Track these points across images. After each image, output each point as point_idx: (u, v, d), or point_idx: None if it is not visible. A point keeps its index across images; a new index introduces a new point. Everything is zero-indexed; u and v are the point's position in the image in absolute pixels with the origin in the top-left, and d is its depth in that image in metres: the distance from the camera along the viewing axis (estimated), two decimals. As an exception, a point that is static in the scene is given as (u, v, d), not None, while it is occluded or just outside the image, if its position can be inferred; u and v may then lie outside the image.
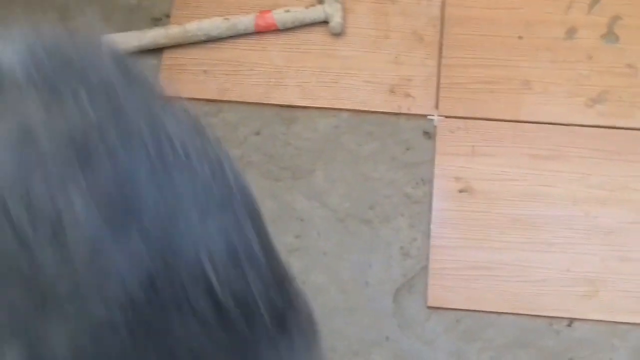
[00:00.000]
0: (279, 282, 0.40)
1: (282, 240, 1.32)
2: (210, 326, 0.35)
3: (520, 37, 1.45)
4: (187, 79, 1.45)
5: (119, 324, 0.32)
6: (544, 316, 1.25)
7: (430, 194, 1.34)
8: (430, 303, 1.27)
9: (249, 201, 0.41)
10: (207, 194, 0.37)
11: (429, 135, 1.38)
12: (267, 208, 1.34)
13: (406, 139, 1.38)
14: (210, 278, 0.35)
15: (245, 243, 0.38)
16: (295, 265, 1.31)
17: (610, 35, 1.45)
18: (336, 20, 1.45)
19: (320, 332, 0.43)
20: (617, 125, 1.37)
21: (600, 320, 1.25)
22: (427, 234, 1.31)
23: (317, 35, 1.47)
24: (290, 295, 0.41)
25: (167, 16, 1.52)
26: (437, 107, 1.40)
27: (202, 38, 1.45)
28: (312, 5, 1.47)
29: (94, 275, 0.32)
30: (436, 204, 1.33)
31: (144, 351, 0.34)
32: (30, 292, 0.31)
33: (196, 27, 1.45)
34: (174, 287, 0.34)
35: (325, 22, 1.46)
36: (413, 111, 1.40)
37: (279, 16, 1.46)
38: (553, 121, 1.38)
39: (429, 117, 1.40)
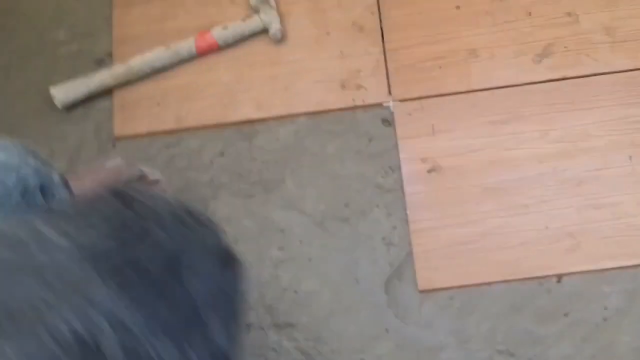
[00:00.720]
0: None
1: (267, 255, 1.33)
2: None
3: (457, 7, 1.46)
4: (141, 115, 1.45)
5: None
6: (533, 277, 1.28)
7: (401, 180, 1.35)
8: (421, 287, 1.29)
9: None
10: None
11: (388, 122, 1.40)
12: (246, 226, 1.36)
13: (367, 131, 1.40)
14: None
15: None
16: (285, 276, 1.32)
17: (544, -12, 1.46)
18: (275, 27, 1.45)
19: None
20: (567, 75, 1.39)
21: (587, 271, 1.27)
22: (405, 220, 1.33)
23: (259, 46, 1.48)
24: None
25: (110, 55, 1.51)
26: (390, 93, 1.41)
27: (148, 71, 1.45)
28: (249, 17, 1.47)
29: None
30: (408, 188, 1.35)
31: None
32: None
33: (140, 61, 1.45)
34: None
35: (265, 31, 1.47)
36: (368, 102, 1.42)
37: (219, 34, 1.46)
38: (505, 84, 1.40)
39: (384, 104, 1.41)
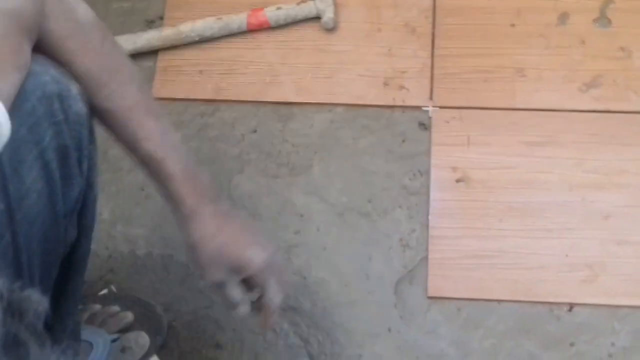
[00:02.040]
0: None
1: (282, 237, 1.33)
2: None
3: (512, 25, 1.46)
4: (182, 80, 1.46)
5: None
6: (545, 302, 1.26)
7: (428, 185, 1.34)
8: (431, 293, 1.28)
9: None
10: None
11: (425, 126, 1.39)
12: (266, 205, 1.36)
13: (402, 131, 1.39)
14: None
15: None
16: (296, 261, 1.32)
17: (602, 19, 1.45)
18: (328, 15, 1.45)
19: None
20: (612, 109, 1.37)
21: (600, 305, 1.25)
22: (426, 225, 1.32)
23: (309, 31, 1.48)
24: None
25: (161, 18, 1.53)
26: (431, 98, 1.41)
27: (196, 39, 1.46)
28: (304, 1, 1.47)
29: None
30: (434, 194, 1.34)
31: None
32: None
33: (189, 28, 1.46)
34: None
35: (317, 18, 1.47)
36: (408, 103, 1.41)
37: (271, 14, 1.46)
38: (547, 107, 1.39)
39: (423, 108, 1.40)
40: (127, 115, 0.81)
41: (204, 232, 0.88)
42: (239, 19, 1.47)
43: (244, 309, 0.94)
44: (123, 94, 0.81)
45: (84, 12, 0.78)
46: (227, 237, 0.89)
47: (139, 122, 0.82)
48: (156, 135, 0.83)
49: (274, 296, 0.94)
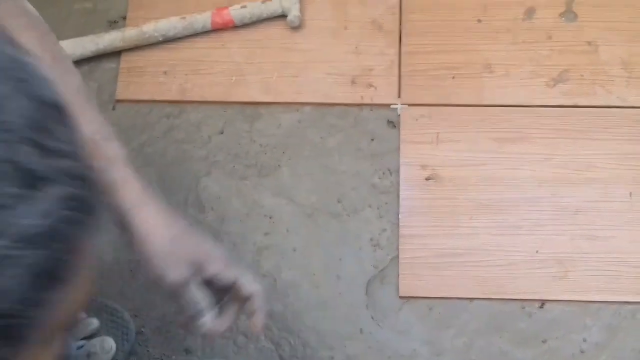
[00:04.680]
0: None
1: (252, 239, 1.31)
2: None
3: (479, 21, 1.45)
4: (146, 81, 1.44)
5: None
6: (516, 299, 1.25)
7: (397, 184, 1.33)
8: (403, 293, 1.27)
9: None
10: None
11: (393, 124, 1.38)
12: (234, 207, 1.34)
13: (370, 130, 1.38)
14: None
15: None
16: (266, 263, 1.30)
17: (568, 14, 1.45)
18: (294, 13, 1.44)
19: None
20: (579, 104, 1.37)
21: (572, 300, 1.25)
22: (396, 224, 1.31)
23: (275, 30, 1.46)
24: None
25: (124, 18, 1.50)
26: (399, 95, 1.40)
27: (160, 39, 1.44)
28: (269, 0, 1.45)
29: None
30: (403, 193, 1.33)
31: None
32: None
33: (153, 28, 1.43)
34: None
35: (283, 16, 1.45)
36: (376, 101, 1.40)
37: (236, 12, 1.44)
38: (516, 103, 1.38)
39: (392, 106, 1.39)
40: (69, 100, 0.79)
41: (153, 222, 0.79)
42: (203, 18, 1.44)
43: (209, 317, 0.82)
44: (66, 81, 0.79)
45: (31, 7, 0.78)
46: (179, 230, 0.80)
47: (81, 108, 0.78)
48: (97, 121, 0.79)
49: (254, 286, 0.84)
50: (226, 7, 1.45)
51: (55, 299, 0.40)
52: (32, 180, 0.38)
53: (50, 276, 0.39)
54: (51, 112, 0.42)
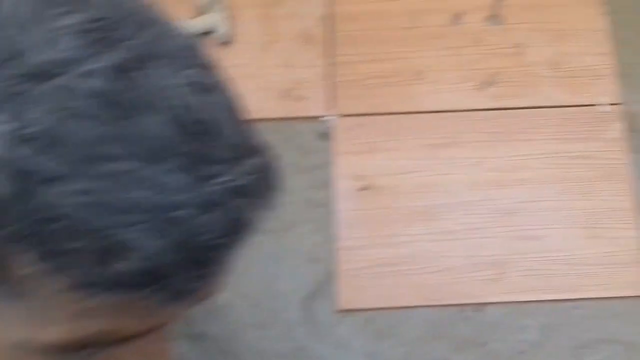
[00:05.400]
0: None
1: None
2: None
3: (407, 28, 1.45)
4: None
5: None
6: (454, 304, 1.26)
7: (332, 196, 1.33)
8: (341, 306, 1.26)
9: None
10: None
11: (326, 136, 1.38)
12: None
13: (303, 143, 1.37)
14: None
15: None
16: (205, 283, 1.28)
17: (495, 18, 1.46)
18: (222, 30, 1.43)
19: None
20: (508, 106, 1.38)
21: (509, 302, 1.26)
22: (333, 237, 1.30)
23: (205, 46, 1.45)
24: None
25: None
26: (331, 107, 1.40)
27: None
28: (196, 16, 1.44)
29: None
30: (339, 205, 1.32)
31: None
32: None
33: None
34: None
35: (210, 33, 1.44)
36: (308, 113, 1.40)
37: (163, 32, 1.43)
38: (447, 109, 1.39)
39: (324, 118, 1.39)
40: None
41: None
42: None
43: None
44: None
45: None
46: None
47: None
48: None
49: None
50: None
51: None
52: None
53: (238, 225, 0.47)
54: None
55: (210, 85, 0.48)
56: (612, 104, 1.38)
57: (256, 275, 1.28)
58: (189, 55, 0.49)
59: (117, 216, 0.41)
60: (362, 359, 1.23)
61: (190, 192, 0.43)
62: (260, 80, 1.43)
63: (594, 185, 1.33)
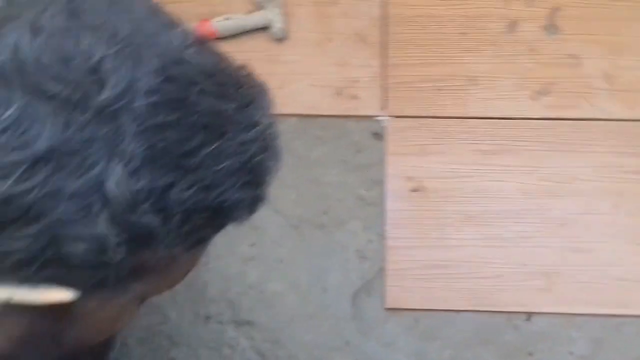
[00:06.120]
0: None
1: (237, 249, 1.30)
2: None
3: (463, 33, 1.45)
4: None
5: None
6: (502, 311, 1.26)
7: (383, 195, 1.33)
8: (389, 305, 1.26)
9: None
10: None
11: (379, 136, 1.38)
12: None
13: (356, 141, 1.37)
14: None
15: None
16: (252, 274, 1.29)
17: (551, 27, 1.46)
18: (277, 25, 1.43)
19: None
20: (563, 116, 1.38)
21: (558, 313, 1.26)
22: (382, 236, 1.30)
23: (259, 42, 1.46)
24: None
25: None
26: (385, 107, 1.40)
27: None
28: (252, 11, 1.45)
29: None
30: (389, 204, 1.32)
31: None
32: None
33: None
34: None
35: (267, 28, 1.45)
36: (361, 112, 1.40)
37: (219, 24, 1.43)
38: (500, 116, 1.39)
39: (377, 118, 1.39)
40: None
41: None
42: (187, 29, 1.43)
43: None
44: None
45: None
46: None
47: None
48: None
49: None
50: (209, 19, 1.44)
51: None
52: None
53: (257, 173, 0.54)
54: None
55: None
56: (667, 121, 1.38)
57: (307, 268, 1.29)
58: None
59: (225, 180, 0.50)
60: (407, 358, 1.23)
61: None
62: (314, 77, 1.43)
63: (648, 202, 1.32)
